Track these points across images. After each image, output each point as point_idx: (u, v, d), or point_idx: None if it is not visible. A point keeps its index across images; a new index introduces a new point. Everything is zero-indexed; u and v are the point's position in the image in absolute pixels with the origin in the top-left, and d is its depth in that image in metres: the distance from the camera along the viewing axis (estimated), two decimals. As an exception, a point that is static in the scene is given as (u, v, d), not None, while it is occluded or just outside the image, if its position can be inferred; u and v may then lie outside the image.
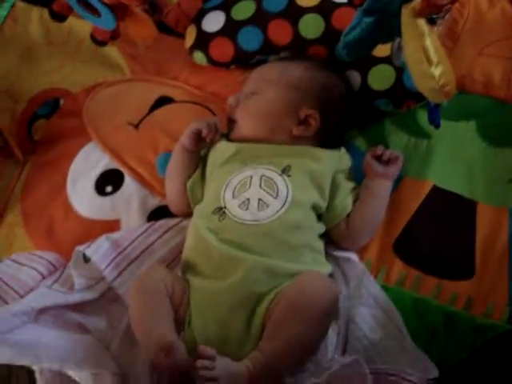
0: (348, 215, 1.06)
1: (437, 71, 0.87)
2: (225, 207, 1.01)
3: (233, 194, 1.02)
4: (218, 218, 1.01)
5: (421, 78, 0.90)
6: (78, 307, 1.04)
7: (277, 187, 1.02)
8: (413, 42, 0.87)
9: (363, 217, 1.06)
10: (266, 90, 1.11)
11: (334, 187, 1.06)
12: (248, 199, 1.01)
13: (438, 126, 1.04)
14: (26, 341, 0.95)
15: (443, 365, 0.93)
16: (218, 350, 0.91)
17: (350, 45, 0.92)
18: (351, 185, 1.10)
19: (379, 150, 1.10)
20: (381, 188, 1.09)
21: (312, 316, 0.89)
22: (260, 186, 1.02)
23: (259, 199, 1.01)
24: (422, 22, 0.85)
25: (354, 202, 1.07)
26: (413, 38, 0.86)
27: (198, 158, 1.15)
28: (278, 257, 0.97)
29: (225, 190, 1.03)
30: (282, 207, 1.00)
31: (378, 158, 1.10)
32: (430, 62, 0.86)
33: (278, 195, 1.01)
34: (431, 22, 0.86)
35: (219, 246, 0.98)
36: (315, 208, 1.03)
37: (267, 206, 1.00)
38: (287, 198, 1.01)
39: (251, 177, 1.03)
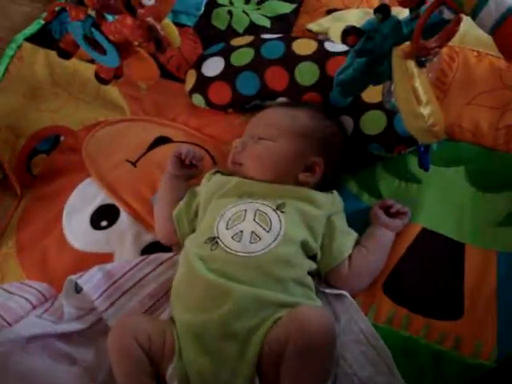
0: (350, 259, 1.06)
1: (426, 111, 0.91)
2: (218, 237, 1.02)
3: (227, 225, 1.03)
4: (209, 247, 1.01)
5: (410, 117, 0.93)
6: (66, 338, 1.03)
7: (270, 221, 1.03)
8: (403, 82, 0.90)
9: (366, 262, 1.07)
10: (276, 137, 1.13)
11: (330, 231, 1.07)
12: (241, 231, 1.02)
13: (427, 170, 1.07)
14: (13, 370, 0.94)
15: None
16: (212, 380, 0.91)
17: (343, 83, 0.96)
18: (347, 228, 1.11)
19: (389, 201, 1.14)
20: (385, 237, 1.10)
21: (324, 355, 0.90)
22: (254, 219, 1.03)
23: (252, 232, 1.02)
24: (411, 64, 0.89)
25: (353, 246, 1.09)
26: (403, 79, 0.90)
27: (184, 186, 1.18)
28: (267, 288, 0.97)
29: (219, 222, 1.04)
30: (273, 241, 1.01)
31: (387, 209, 1.13)
32: (419, 101, 0.90)
33: (270, 229, 1.02)
34: (420, 64, 0.90)
35: (208, 275, 0.98)
36: (304, 246, 1.04)
37: (259, 239, 1.01)
38: (280, 232, 1.02)
39: (246, 210, 1.05)
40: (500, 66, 1.29)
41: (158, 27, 0.99)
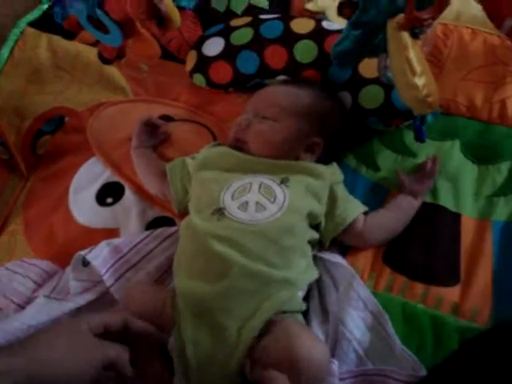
0: (366, 217, 1.11)
1: (420, 81, 0.92)
2: (224, 208, 1.04)
3: (232, 196, 1.06)
4: (216, 217, 1.03)
5: (405, 88, 0.95)
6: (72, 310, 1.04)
7: (275, 193, 1.06)
8: (397, 53, 0.92)
9: (382, 218, 1.12)
10: (280, 117, 1.15)
11: (333, 198, 1.10)
12: (247, 202, 1.04)
13: (423, 141, 1.09)
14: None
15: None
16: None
17: (340, 55, 0.99)
18: (349, 196, 1.15)
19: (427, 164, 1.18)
20: (404, 202, 1.14)
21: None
22: (259, 191, 1.06)
23: (257, 202, 1.04)
24: (405, 35, 0.91)
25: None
26: (397, 50, 0.92)
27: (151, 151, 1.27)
28: (270, 257, 0.99)
29: (224, 193, 1.06)
30: (278, 211, 1.03)
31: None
32: (413, 72, 0.91)
33: (275, 201, 1.04)
34: (414, 35, 0.92)
35: (212, 243, 0.99)
36: (310, 216, 1.06)
37: (264, 209, 1.03)
38: (284, 204, 1.04)
39: (251, 183, 1.07)
40: (493, 42, 1.32)
41: (161, 5, 1.01)
